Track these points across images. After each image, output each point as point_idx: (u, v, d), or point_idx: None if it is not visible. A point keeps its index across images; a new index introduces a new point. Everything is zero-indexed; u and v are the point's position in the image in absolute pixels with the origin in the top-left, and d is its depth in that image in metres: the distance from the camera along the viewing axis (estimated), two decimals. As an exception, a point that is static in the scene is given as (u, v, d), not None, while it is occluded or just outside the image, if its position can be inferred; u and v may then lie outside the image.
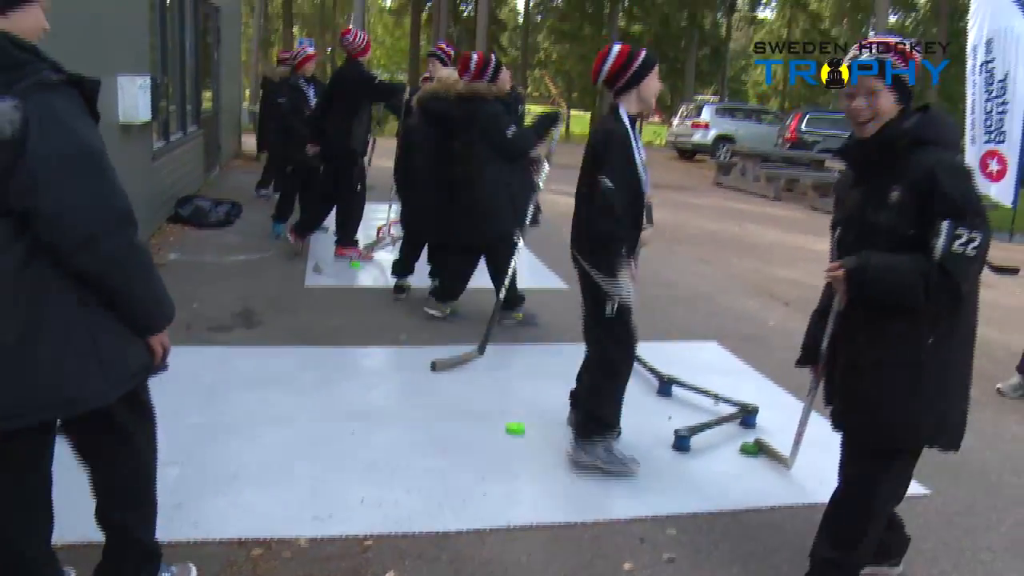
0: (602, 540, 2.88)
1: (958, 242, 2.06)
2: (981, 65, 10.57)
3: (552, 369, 4.31)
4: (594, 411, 3.35)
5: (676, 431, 3.66)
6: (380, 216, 8.05)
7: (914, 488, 3.00)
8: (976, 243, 2.07)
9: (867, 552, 2.45)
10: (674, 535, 2.94)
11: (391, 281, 6.03)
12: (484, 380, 4.38)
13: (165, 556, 2.37)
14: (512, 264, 4.95)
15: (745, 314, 6.16)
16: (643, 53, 3.24)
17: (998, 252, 9.11)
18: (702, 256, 8.41)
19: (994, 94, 10.46)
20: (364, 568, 2.63)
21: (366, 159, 7.21)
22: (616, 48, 3.26)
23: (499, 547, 2.80)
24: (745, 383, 4.53)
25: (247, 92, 26.48)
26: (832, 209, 2.56)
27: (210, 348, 4.57)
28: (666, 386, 4.31)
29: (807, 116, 18.70)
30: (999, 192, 10.44)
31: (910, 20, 36.90)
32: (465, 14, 37.19)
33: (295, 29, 40.69)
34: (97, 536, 2.27)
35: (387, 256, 6.97)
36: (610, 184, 3.06)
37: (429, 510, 2.98)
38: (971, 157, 10.73)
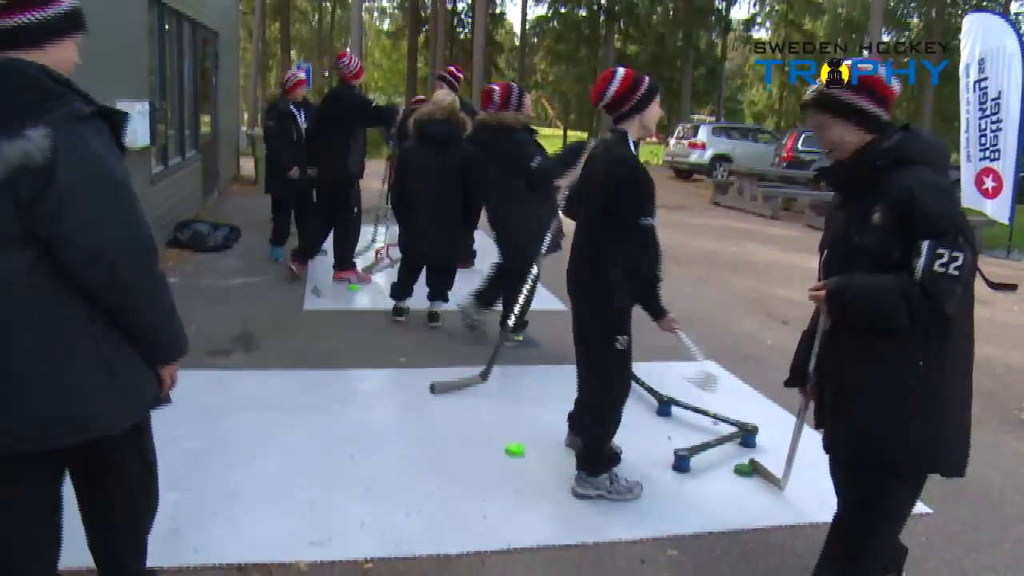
0: (603, 561, 2.87)
1: (939, 262, 2.02)
2: (974, 84, 10.69)
3: (551, 390, 4.30)
4: (599, 448, 3.32)
5: (676, 451, 3.66)
6: (370, 238, 8.07)
7: (915, 507, 2.99)
8: (959, 262, 2.02)
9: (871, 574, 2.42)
10: (675, 556, 2.93)
11: (390, 303, 6.04)
12: (483, 401, 4.38)
13: (164, 582, 2.36)
14: (524, 290, 4.83)
15: (743, 333, 6.17)
16: (647, 80, 3.21)
17: (996, 269, 9.18)
18: (700, 276, 8.42)
19: (988, 112, 10.57)
20: (364, 592, 2.62)
21: (383, 183, 7.21)
22: (620, 72, 3.22)
23: (500, 569, 2.79)
24: (744, 403, 4.53)
25: (245, 116, 26.65)
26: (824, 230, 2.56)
27: (209, 372, 4.56)
28: (665, 406, 4.31)
29: (803, 135, 18.72)
30: (995, 209, 10.53)
31: (903, 39, 37.23)
32: (462, 36, 37.53)
33: (293, 53, 41.02)
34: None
35: (385, 278, 6.98)
36: (651, 222, 3.06)
37: (429, 532, 2.97)
38: (967, 175, 10.84)
